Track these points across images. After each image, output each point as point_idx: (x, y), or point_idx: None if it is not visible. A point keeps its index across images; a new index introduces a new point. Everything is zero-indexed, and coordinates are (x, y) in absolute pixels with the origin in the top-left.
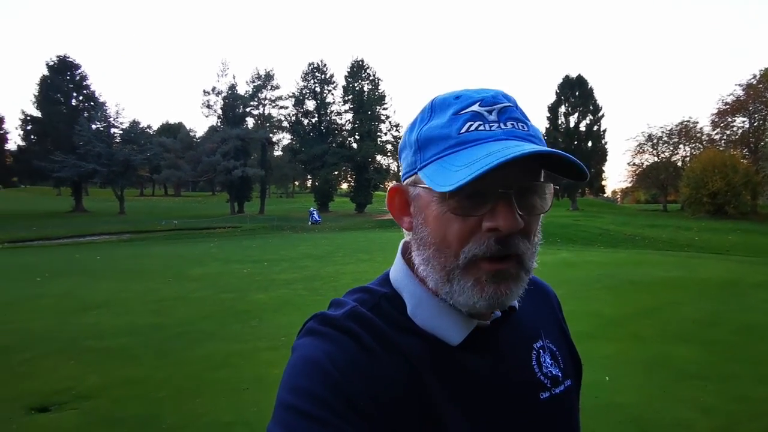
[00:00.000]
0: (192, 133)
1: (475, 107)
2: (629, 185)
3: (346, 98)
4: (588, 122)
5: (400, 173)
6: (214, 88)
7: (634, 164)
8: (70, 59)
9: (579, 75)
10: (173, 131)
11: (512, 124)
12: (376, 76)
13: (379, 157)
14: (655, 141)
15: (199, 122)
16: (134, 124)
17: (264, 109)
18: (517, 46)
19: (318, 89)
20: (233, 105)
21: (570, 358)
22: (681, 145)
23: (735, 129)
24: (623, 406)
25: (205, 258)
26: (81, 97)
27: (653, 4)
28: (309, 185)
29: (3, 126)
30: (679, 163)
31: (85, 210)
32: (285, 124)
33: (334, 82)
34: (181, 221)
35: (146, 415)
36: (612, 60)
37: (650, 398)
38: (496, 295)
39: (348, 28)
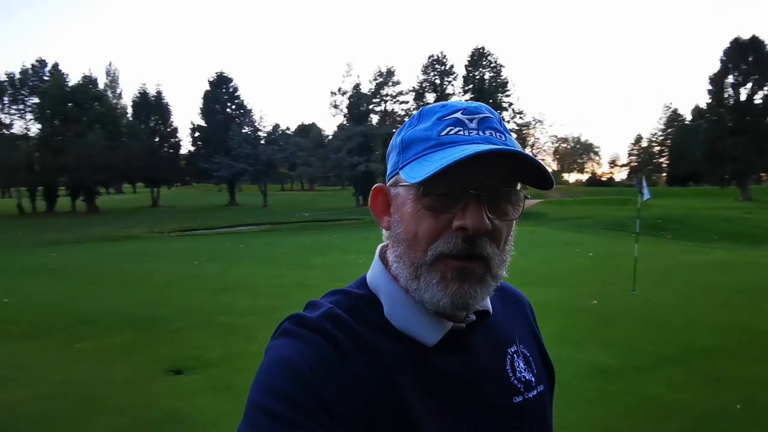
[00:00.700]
0: (324, 132)
1: (458, 114)
2: None
3: (467, 88)
4: (765, 94)
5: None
6: (339, 89)
7: None
8: (225, 74)
9: (753, 37)
10: (307, 131)
11: (491, 132)
12: (497, 63)
13: None
14: None
15: (330, 121)
16: (276, 127)
17: (386, 105)
18: (674, 7)
19: (438, 81)
20: (357, 103)
21: (543, 364)
22: None
23: None
24: None
25: (327, 248)
26: (233, 106)
27: None
28: None
29: (177, 135)
30: None
31: (237, 204)
32: (406, 118)
33: (454, 72)
34: (312, 214)
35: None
36: None
37: None
38: (459, 293)
39: (468, 17)
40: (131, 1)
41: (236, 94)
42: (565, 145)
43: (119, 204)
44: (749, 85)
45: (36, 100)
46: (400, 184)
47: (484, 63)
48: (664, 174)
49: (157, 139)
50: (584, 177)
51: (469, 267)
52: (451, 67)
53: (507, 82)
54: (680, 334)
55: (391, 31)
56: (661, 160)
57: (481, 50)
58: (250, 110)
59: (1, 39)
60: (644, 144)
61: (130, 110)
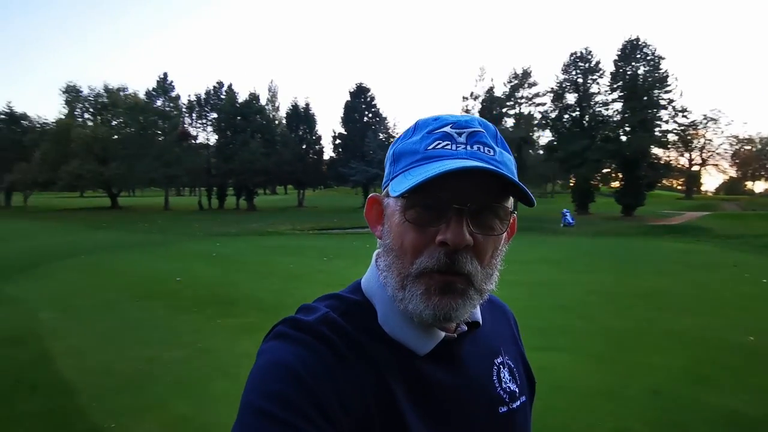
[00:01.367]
0: None
1: (447, 128)
2: None
3: (615, 85)
4: None
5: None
6: (471, 93)
7: None
8: (363, 85)
9: None
10: None
11: (478, 147)
12: (655, 55)
13: (656, 150)
14: None
15: None
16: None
17: (520, 108)
18: None
19: (581, 80)
20: (490, 107)
21: (525, 376)
22: None
23: None
24: None
25: None
26: (370, 114)
27: None
28: (571, 184)
29: (321, 142)
30: None
31: None
32: (542, 121)
33: (599, 69)
34: None
35: None
36: None
37: None
38: (441, 306)
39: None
40: (290, 30)
41: (373, 102)
42: (748, 148)
43: (272, 203)
44: None
45: (214, 115)
46: (390, 196)
47: (638, 56)
48: None
49: (304, 146)
50: None
51: (452, 280)
52: (597, 63)
53: (667, 77)
54: None
55: (527, 31)
56: None
57: (634, 42)
58: (384, 117)
59: (192, 69)
60: None
61: (284, 121)
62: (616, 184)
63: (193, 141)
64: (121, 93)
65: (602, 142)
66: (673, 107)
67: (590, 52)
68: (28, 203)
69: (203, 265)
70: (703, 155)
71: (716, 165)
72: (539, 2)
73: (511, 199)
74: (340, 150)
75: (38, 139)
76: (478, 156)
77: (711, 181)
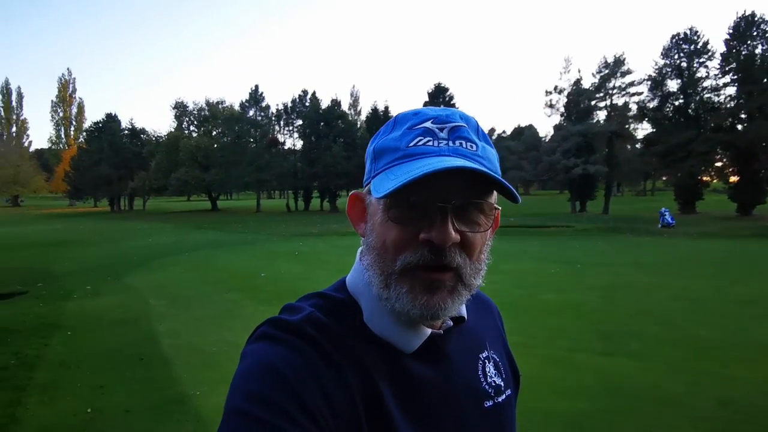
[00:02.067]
0: (542, 134)
1: (427, 124)
2: None
3: (727, 68)
4: None
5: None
6: (556, 87)
7: None
8: (442, 85)
9: None
10: (523, 134)
11: (460, 143)
12: None
13: None
14: None
15: (545, 123)
16: (491, 131)
17: (611, 100)
18: None
19: (684, 64)
20: (577, 101)
21: (510, 369)
22: None
23: None
24: None
25: (522, 254)
26: None
27: None
28: (670, 180)
29: None
30: None
31: None
32: (638, 112)
33: (708, 51)
34: (519, 219)
35: None
36: None
37: None
38: (428, 305)
39: None
40: (370, 34)
41: (452, 102)
42: None
43: None
44: None
45: (300, 122)
46: (371, 194)
47: (755, 33)
48: None
49: None
50: None
51: (439, 278)
52: (705, 44)
53: None
54: None
55: (617, 16)
56: None
57: (749, 18)
58: None
59: (280, 79)
60: None
61: (365, 125)
62: (734, 178)
63: (281, 147)
64: (220, 106)
65: (712, 132)
66: None
67: (696, 32)
68: (146, 207)
69: (286, 263)
70: None
71: None
72: None
73: (495, 194)
74: None
75: (154, 151)
76: (460, 152)
77: None
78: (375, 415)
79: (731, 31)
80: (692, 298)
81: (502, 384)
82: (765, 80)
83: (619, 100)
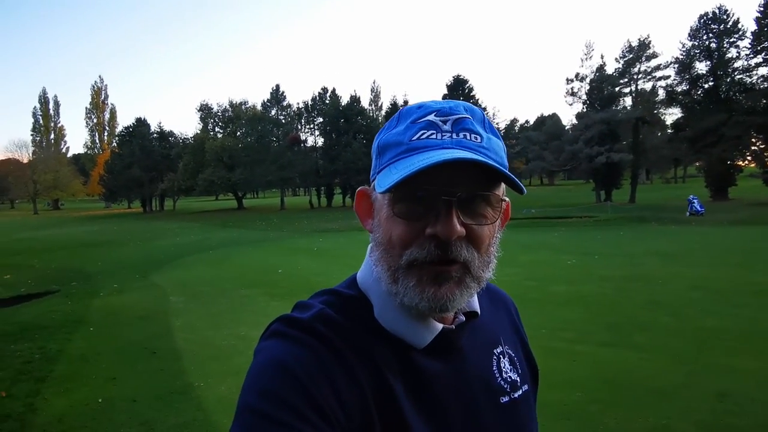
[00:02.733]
0: (566, 123)
1: (431, 117)
2: None
3: (760, 47)
4: None
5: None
6: (577, 74)
7: None
8: (461, 77)
9: None
10: (545, 123)
11: (464, 134)
12: None
13: None
14: None
15: (568, 111)
16: (513, 121)
17: (636, 85)
18: None
19: (714, 45)
20: (600, 88)
21: (527, 364)
22: None
23: None
24: None
25: (539, 246)
26: None
27: None
28: (702, 166)
29: None
30: None
31: None
32: (666, 97)
33: (738, 30)
34: (541, 210)
35: None
36: None
37: None
38: (436, 297)
39: None
40: (388, 29)
41: (471, 94)
42: None
43: None
44: None
45: (320, 119)
46: (377, 190)
47: None
48: None
49: None
50: None
51: (446, 270)
52: (735, 23)
53: None
54: None
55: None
56: None
57: None
58: (484, 108)
59: (303, 78)
60: None
61: (384, 120)
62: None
63: (303, 145)
64: (243, 106)
65: (745, 114)
66: None
67: (725, 11)
68: (176, 207)
69: (304, 258)
70: None
71: None
72: None
73: (503, 185)
74: None
75: (181, 152)
76: (464, 144)
77: None
78: (387, 410)
79: (762, 8)
80: (710, 288)
81: (518, 379)
82: None
83: (644, 85)
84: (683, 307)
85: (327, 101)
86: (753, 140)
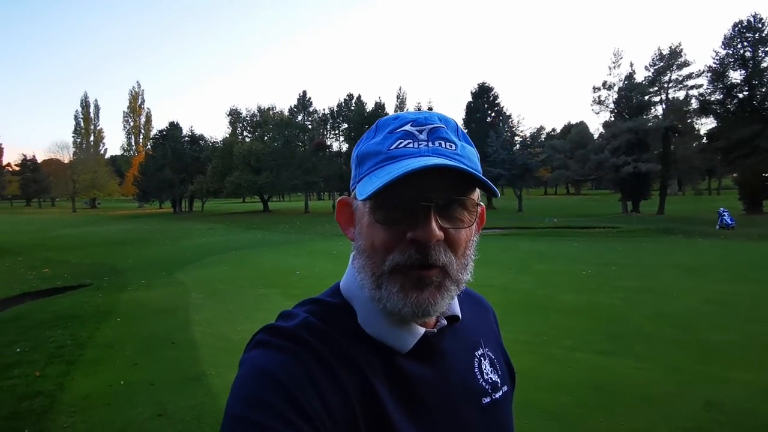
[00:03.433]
0: (593, 131)
1: (407, 127)
2: None
3: None
4: None
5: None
6: (605, 83)
7: None
8: (486, 84)
9: None
10: (573, 131)
11: (440, 143)
12: None
13: None
14: None
15: (594, 120)
16: (539, 129)
17: (667, 94)
18: None
19: (748, 54)
20: (628, 96)
21: (505, 366)
22: None
23: None
24: None
25: (556, 255)
26: (493, 114)
27: None
28: (736, 178)
29: None
30: None
31: (493, 208)
32: (699, 106)
33: None
34: (563, 219)
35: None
36: None
37: None
38: (419, 302)
39: None
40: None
41: (496, 101)
42: None
43: None
44: None
45: (345, 126)
46: (357, 198)
47: None
48: None
49: None
50: None
51: (427, 275)
52: None
53: None
54: None
55: (672, 6)
56: None
57: None
58: (509, 116)
59: (329, 84)
60: None
61: None
62: None
63: (328, 150)
64: (271, 112)
65: None
66: None
67: (761, 19)
68: (205, 209)
69: (322, 261)
70: None
71: None
72: None
73: (478, 191)
74: None
75: (210, 155)
76: (440, 152)
77: None
78: (372, 415)
79: None
80: (725, 302)
81: (498, 381)
82: None
83: (675, 94)
84: (691, 320)
85: (352, 107)
86: None
